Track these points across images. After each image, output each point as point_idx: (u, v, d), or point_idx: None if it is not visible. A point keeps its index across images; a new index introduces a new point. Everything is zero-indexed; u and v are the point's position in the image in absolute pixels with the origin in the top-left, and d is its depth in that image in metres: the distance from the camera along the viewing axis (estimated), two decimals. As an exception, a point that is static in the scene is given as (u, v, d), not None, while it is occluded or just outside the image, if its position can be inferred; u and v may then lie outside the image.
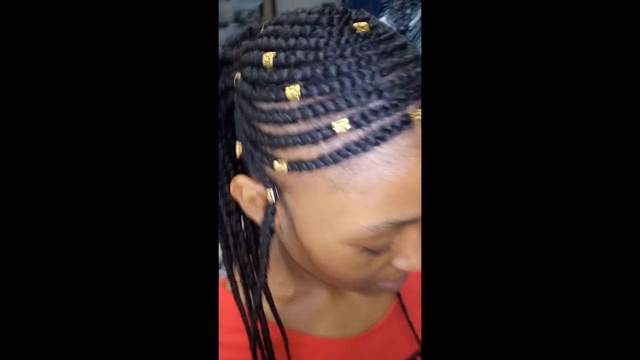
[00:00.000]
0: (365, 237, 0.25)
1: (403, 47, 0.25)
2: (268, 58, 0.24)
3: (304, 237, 0.27)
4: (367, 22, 0.24)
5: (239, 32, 0.30)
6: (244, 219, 0.32)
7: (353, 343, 0.36)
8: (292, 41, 0.24)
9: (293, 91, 0.23)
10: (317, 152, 0.23)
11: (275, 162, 0.25)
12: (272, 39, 0.25)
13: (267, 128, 0.25)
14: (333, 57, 0.23)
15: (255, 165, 0.27)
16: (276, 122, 0.24)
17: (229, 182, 0.29)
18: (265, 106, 0.24)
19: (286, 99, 0.23)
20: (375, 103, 0.22)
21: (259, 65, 0.25)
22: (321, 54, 0.23)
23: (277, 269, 0.34)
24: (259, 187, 0.27)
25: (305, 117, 0.23)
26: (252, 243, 0.33)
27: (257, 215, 0.29)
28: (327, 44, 0.23)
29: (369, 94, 0.22)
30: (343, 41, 0.23)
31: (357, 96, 0.22)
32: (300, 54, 0.23)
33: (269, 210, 0.27)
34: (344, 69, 0.23)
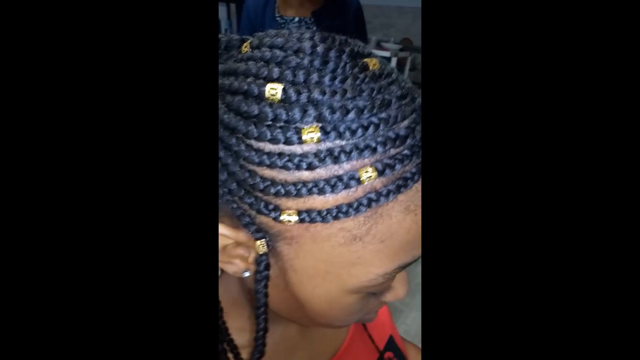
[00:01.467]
0: (375, 284, 0.24)
1: (410, 88, 0.23)
2: (275, 91, 0.21)
3: (301, 290, 0.25)
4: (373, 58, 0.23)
5: None
6: None
7: None
8: (301, 75, 0.21)
9: (312, 134, 0.20)
10: (335, 202, 0.21)
11: (281, 212, 0.22)
12: (270, 67, 0.21)
13: (270, 172, 0.21)
14: (351, 97, 0.21)
15: (237, 210, 0.23)
16: (284, 168, 0.21)
17: None
18: (269, 147, 0.21)
19: (300, 142, 0.21)
20: (398, 150, 0.21)
21: (257, 97, 0.21)
22: (339, 94, 0.21)
23: (235, 314, 0.31)
24: (240, 236, 0.24)
25: (323, 164, 0.21)
26: None
27: (231, 267, 0.25)
28: (343, 81, 0.21)
29: (393, 140, 0.21)
30: (359, 80, 0.21)
31: (383, 143, 0.21)
32: (316, 91, 0.20)
33: (262, 263, 0.24)
34: (366, 113, 0.21)
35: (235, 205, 0.23)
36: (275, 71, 0.21)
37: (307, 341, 0.36)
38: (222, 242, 0.24)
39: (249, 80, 0.22)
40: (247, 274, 0.26)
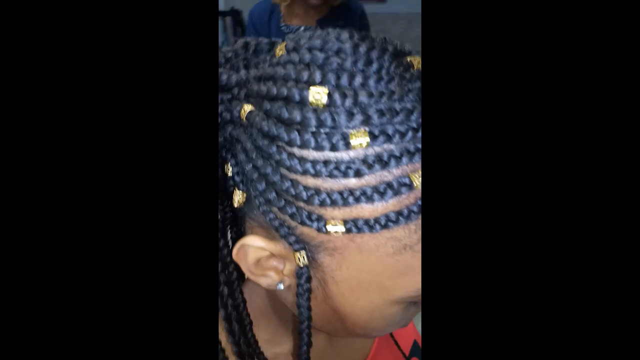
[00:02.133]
0: (420, 293, 0.23)
1: None
2: (319, 96, 0.19)
3: (342, 302, 0.24)
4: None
5: (232, 49, 0.24)
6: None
7: None
8: (345, 77, 0.20)
9: (360, 139, 0.19)
10: (385, 210, 0.20)
11: (326, 222, 0.21)
12: (311, 70, 0.20)
13: (315, 181, 0.20)
14: (398, 98, 0.20)
15: (275, 221, 0.22)
16: (331, 176, 0.20)
17: (224, 239, 0.25)
18: (313, 155, 0.20)
19: (347, 148, 0.19)
20: None
21: (299, 102, 0.20)
22: (386, 95, 0.20)
23: (263, 326, 0.30)
24: (276, 247, 0.23)
25: (372, 170, 0.19)
26: (245, 314, 0.28)
27: (264, 280, 0.24)
28: (389, 81, 0.20)
29: None
30: (405, 80, 0.20)
31: None
32: (362, 93, 0.19)
33: (303, 276, 0.23)
34: (415, 114, 0.20)
35: (272, 216, 0.22)
36: (318, 74, 0.20)
37: (336, 350, 0.35)
38: (256, 254, 0.23)
39: (289, 84, 0.20)
40: (281, 287, 0.24)
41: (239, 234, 0.28)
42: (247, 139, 0.22)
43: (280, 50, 0.22)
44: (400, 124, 0.19)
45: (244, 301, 0.28)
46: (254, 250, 0.23)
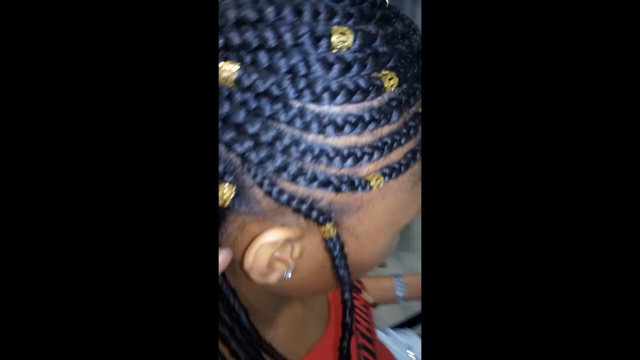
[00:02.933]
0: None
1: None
2: (344, 37, 0.17)
3: (361, 254, 0.23)
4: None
5: None
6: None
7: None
8: (371, 27, 0.18)
9: (393, 78, 0.18)
10: (409, 148, 0.20)
11: (367, 181, 0.19)
12: (339, 7, 0.17)
13: (343, 139, 0.18)
14: (404, 44, 0.20)
15: (293, 201, 0.19)
16: (362, 126, 0.18)
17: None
18: (333, 109, 0.17)
19: (379, 93, 0.18)
20: None
21: (323, 42, 0.17)
22: (398, 39, 0.19)
23: (261, 321, 0.29)
24: (293, 233, 0.21)
25: (399, 111, 0.19)
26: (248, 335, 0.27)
27: (274, 275, 0.22)
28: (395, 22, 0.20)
29: None
30: (410, 29, 0.20)
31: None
32: (382, 34, 0.18)
33: (337, 244, 0.21)
34: (416, 56, 0.20)
35: (285, 196, 0.19)
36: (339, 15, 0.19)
37: (310, 314, 0.36)
38: (269, 252, 0.21)
39: (300, 29, 0.17)
40: (289, 275, 0.23)
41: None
42: (236, 108, 0.18)
43: None
44: (413, 66, 0.19)
45: (234, 291, 0.26)
46: (267, 248, 0.21)
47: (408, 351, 0.68)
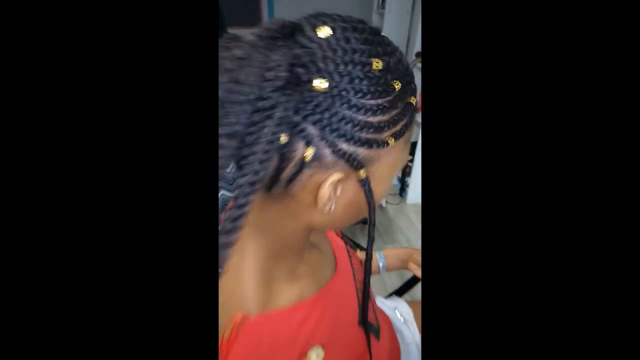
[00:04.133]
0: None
1: None
2: (378, 64, 0.29)
3: (378, 188, 0.34)
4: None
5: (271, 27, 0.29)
6: None
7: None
8: (386, 57, 0.30)
9: (397, 84, 0.31)
10: (404, 123, 0.32)
11: (386, 140, 0.31)
12: (370, 48, 0.29)
13: (376, 118, 0.30)
14: (402, 65, 0.32)
15: (346, 154, 0.30)
16: (386, 110, 0.30)
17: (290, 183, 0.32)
18: (374, 102, 0.29)
19: (389, 92, 0.30)
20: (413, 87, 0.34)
21: (365, 69, 0.28)
22: (401, 61, 0.32)
23: (282, 264, 0.39)
24: (344, 176, 0.31)
25: (403, 100, 0.32)
26: None
27: (328, 206, 0.33)
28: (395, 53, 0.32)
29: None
30: (396, 49, 0.33)
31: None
32: (392, 62, 0.31)
33: (367, 183, 0.32)
34: (405, 66, 0.33)
35: (342, 151, 0.30)
36: (373, 49, 0.30)
37: (323, 257, 0.48)
38: (330, 188, 0.31)
39: (359, 56, 0.29)
40: (333, 206, 0.34)
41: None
42: (323, 104, 0.28)
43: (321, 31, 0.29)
44: (408, 76, 0.32)
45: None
46: (329, 186, 0.31)
47: (396, 311, 0.78)
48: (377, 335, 0.49)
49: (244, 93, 0.25)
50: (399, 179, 2.49)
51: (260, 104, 0.25)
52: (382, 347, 0.51)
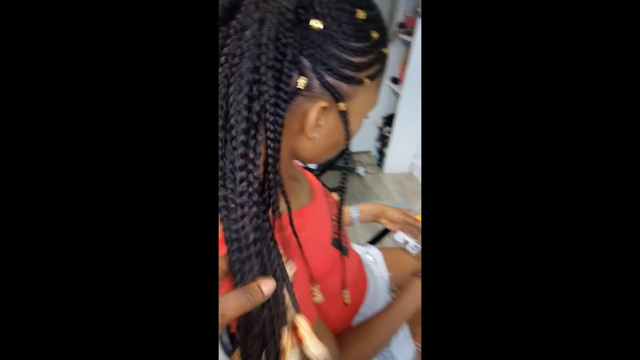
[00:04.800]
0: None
1: None
2: (361, 14, 0.35)
3: (353, 123, 0.40)
4: None
5: None
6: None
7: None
8: (368, 11, 0.36)
9: (375, 34, 0.36)
10: (379, 68, 0.39)
11: (363, 79, 0.37)
12: (356, 0, 0.35)
13: (356, 59, 0.36)
14: (380, 19, 0.38)
15: (331, 86, 0.36)
16: (364, 53, 0.36)
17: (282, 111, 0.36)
18: (356, 45, 0.35)
19: (368, 39, 0.36)
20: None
21: (352, 16, 0.34)
22: (379, 16, 0.38)
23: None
24: (327, 104, 0.37)
25: (378, 48, 0.37)
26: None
27: (313, 132, 0.39)
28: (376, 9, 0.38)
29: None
30: (373, 4, 0.39)
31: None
32: (372, 15, 0.37)
33: (344, 117, 0.39)
34: (380, 19, 0.39)
35: (327, 83, 0.35)
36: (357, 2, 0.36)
37: (303, 187, 0.55)
38: (315, 113, 0.37)
39: (344, 5, 0.35)
40: (317, 135, 0.40)
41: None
42: (315, 40, 0.33)
43: None
44: (384, 28, 0.37)
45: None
46: (315, 112, 0.36)
47: (367, 255, 0.86)
48: (346, 253, 0.57)
49: (264, 32, 0.30)
50: (377, 150, 2.58)
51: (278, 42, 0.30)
52: (351, 263, 0.59)
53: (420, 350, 0.66)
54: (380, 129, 2.52)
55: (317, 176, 1.54)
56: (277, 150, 0.32)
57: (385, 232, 1.02)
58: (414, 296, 0.57)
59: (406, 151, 2.38)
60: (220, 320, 0.24)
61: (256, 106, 0.30)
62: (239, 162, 0.29)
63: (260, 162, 0.31)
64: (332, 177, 2.21)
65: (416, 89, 2.12)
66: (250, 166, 0.30)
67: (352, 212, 0.87)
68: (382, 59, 0.39)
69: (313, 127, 0.38)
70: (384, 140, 2.45)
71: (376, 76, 0.39)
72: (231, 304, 0.27)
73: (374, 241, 1.03)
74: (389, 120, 2.41)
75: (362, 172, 2.41)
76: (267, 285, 0.29)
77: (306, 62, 0.34)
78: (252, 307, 0.28)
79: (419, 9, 1.99)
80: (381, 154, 2.50)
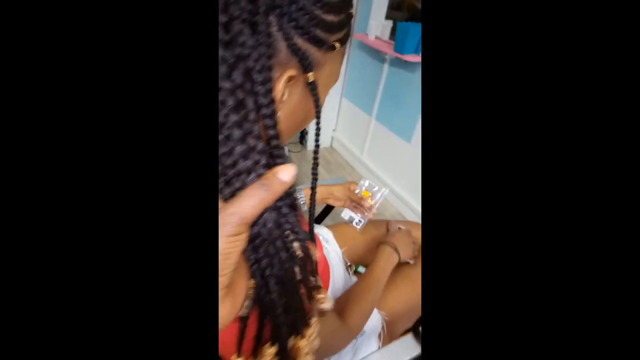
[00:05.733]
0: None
1: None
2: None
3: (321, 95, 0.37)
4: None
5: None
6: None
7: None
8: None
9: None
10: (346, 32, 0.35)
11: (334, 44, 0.33)
12: None
13: (329, 17, 0.32)
14: None
15: (300, 52, 0.31)
16: (338, 10, 0.32)
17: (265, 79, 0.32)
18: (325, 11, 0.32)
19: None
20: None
21: None
22: None
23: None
24: (296, 73, 0.32)
25: (345, 10, 0.34)
26: None
27: (283, 97, 0.35)
28: None
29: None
30: None
31: None
32: None
33: (315, 86, 0.34)
34: None
35: (297, 48, 0.30)
36: None
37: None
38: (284, 80, 0.32)
39: None
40: (285, 97, 0.36)
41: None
42: (286, 4, 0.29)
43: None
44: None
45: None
46: (284, 80, 0.31)
47: (319, 236, 0.87)
48: (314, 239, 0.56)
49: None
50: (298, 128, 2.57)
51: None
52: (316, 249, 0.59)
53: (386, 318, 0.70)
54: (298, 106, 2.51)
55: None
56: (275, 127, 0.28)
57: (329, 208, 1.03)
58: (389, 258, 0.66)
59: (326, 126, 2.42)
60: (238, 222, 0.23)
61: (237, 77, 0.25)
62: (239, 149, 0.26)
63: (262, 145, 0.27)
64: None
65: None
66: (256, 149, 0.27)
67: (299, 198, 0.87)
68: (349, 21, 0.35)
69: (280, 100, 0.33)
70: (303, 117, 2.44)
71: (345, 40, 0.35)
72: (248, 202, 0.24)
73: (320, 219, 1.04)
74: (306, 96, 2.40)
75: (285, 151, 2.39)
76: (286, 171, 0.26)
77: (272, 18, 0.29)
78: (272, 200, 0.26)
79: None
80: (302, 131, 2.51)
